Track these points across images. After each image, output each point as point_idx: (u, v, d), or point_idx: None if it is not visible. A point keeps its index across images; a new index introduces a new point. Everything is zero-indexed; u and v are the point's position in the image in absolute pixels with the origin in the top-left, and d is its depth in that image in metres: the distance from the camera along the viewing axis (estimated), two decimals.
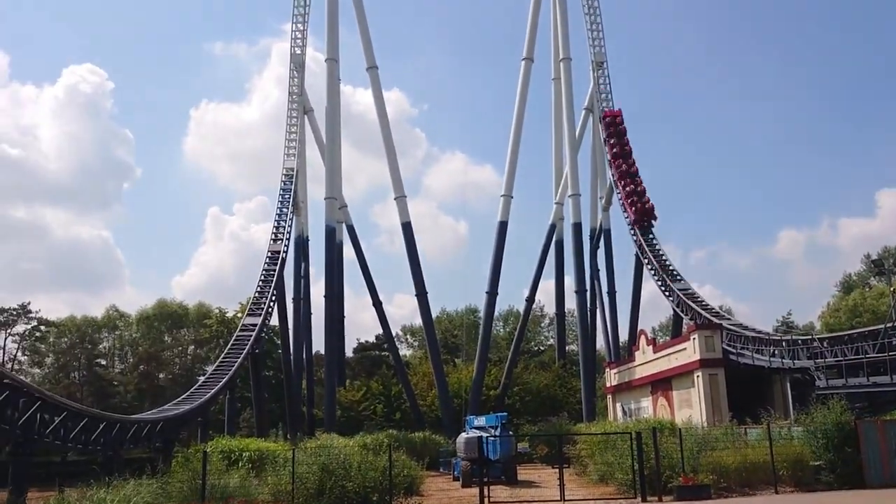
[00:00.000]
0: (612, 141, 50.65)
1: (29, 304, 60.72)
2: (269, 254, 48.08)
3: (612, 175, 50.51)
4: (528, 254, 59.24)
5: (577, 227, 50.10)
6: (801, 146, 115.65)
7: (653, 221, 48.21)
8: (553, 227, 55.33)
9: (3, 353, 60.16)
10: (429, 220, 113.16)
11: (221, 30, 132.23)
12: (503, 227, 52.37)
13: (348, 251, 54.39)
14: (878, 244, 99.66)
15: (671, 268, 46.64)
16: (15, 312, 59.63)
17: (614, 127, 50.99)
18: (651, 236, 48.16)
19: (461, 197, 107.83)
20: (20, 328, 60.43)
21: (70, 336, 64.19)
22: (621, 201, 49.61)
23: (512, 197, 52.98)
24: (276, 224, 49.01)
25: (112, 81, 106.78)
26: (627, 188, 48.67)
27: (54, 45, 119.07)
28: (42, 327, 61.66)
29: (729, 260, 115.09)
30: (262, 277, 47.07)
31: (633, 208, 48.01)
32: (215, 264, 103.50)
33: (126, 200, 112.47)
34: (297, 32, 51.56)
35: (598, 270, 52.94)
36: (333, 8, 51.31)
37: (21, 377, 29.11)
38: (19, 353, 62.03)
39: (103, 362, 66.63)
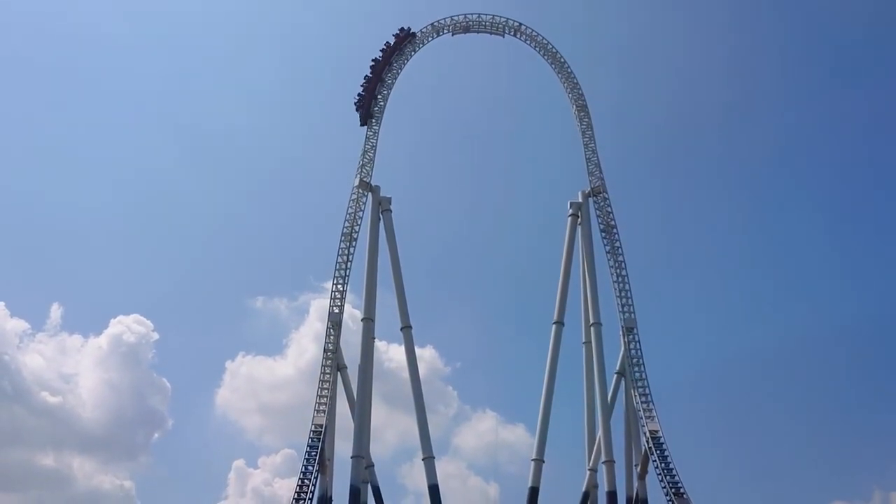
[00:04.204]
0: None
1: None
2: None
3: None
4: None
5: (612, 496, 48.19)
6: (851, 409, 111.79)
7: None
8: (587, 495, 52.66)
9: None
10: (458, 480, 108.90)
11: (263, 285, 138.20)
12: (534, 493, 50.61)
13: None
14: None
15: None
16: None
17: None
18: None
19: (492, 458, 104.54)
20: None
21: None
22: None
23: (543, 461, 51.68)
24: (300, 483, 47.55)
25: (157, 332, 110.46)
26: None
27: (106, 296, 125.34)
28: None
29: None
30: None
31: None
32: None
33: (154, 451, 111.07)
34: (336, 292, 53.80)
35: None
36: (373, 271, 54.43)
37: None
38: None
39: None
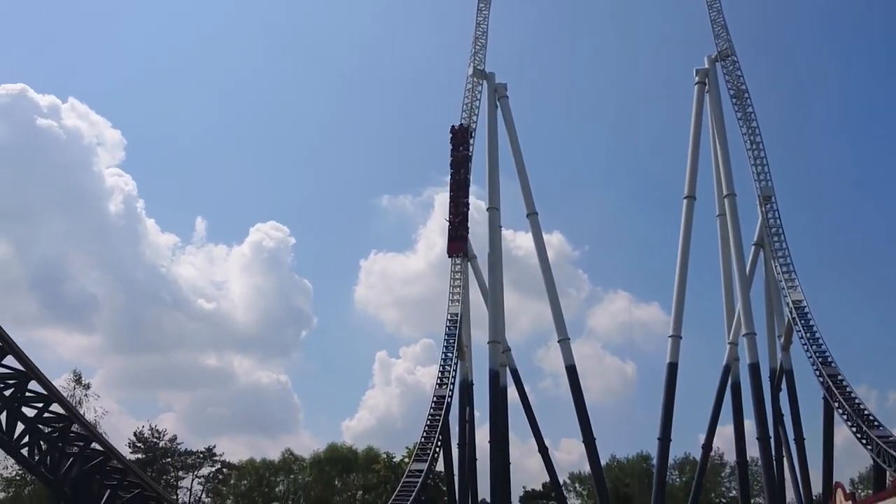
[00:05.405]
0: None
1: (214, 447, 64.90)
2: (435, 398, 48.54)
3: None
4: (703, 397, 56.32)
5: (755, 368, 47.44)
6: None
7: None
8: (728, 369, 52.17)
9: (190, 495, 63.76)
10: (594, 361, 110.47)
11: (387, 184, 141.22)
12: (673, 368, 50.59)
13: (512, 395, 53.88)
14: None
15: (866, 412, 42.75)
16: (201, 455, 63.75)
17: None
18: (840, 377, 44.68)
19: (627, 337, 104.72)
20: (205, 471, 64.46)
21: (249, 479, 67.12)
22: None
23: (681, 337, 51.40)
24: (441, 369, 49.77)
25: (293, 237, 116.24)
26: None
27: (244, 207, 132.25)
28: (224, 470, 65.18)
29: None
30: (428, 423, 47.42)
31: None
32: (383, 408, 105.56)
33: (303, 347, 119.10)
34: None
35: (783, 415, 49.50)
36: (494, 160, 54.06)
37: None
38: (203, 495, 65.36)
39: None
